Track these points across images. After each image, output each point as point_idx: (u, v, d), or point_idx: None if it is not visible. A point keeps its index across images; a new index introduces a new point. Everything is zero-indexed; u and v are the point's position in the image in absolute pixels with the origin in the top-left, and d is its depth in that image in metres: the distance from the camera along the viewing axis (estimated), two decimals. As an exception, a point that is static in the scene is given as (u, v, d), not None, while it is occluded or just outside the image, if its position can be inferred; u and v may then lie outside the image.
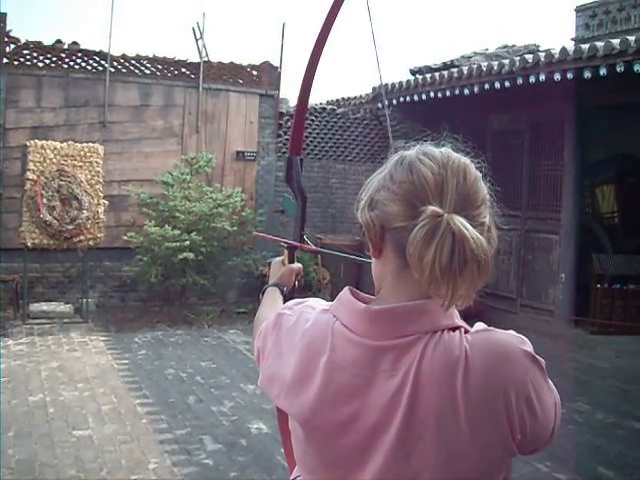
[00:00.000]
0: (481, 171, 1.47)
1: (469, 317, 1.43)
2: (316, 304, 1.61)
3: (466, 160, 1.46)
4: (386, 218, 1.41)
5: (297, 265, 2.27)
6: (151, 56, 12.71)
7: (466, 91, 11.08)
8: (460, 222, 1.31)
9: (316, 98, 14.28)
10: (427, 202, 1.35)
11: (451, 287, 1.31)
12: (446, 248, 1.29)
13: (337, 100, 16.35)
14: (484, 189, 1.44)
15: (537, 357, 1.37)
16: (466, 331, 1.39)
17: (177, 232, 11.04)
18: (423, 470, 1.32)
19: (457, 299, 1.34)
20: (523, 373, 1.33)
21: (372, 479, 1.38)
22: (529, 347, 1.37)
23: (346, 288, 1.50)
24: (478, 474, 1.32)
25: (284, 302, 1.98)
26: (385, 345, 1.38)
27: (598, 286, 10.67)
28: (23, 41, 11.71)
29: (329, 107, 14.49)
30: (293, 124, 2.49)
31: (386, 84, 13.13)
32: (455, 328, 1.38)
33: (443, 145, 1.50)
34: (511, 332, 1.40)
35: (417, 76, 12.65)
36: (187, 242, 11.02)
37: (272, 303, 2.06)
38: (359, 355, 1.40)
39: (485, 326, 1.42)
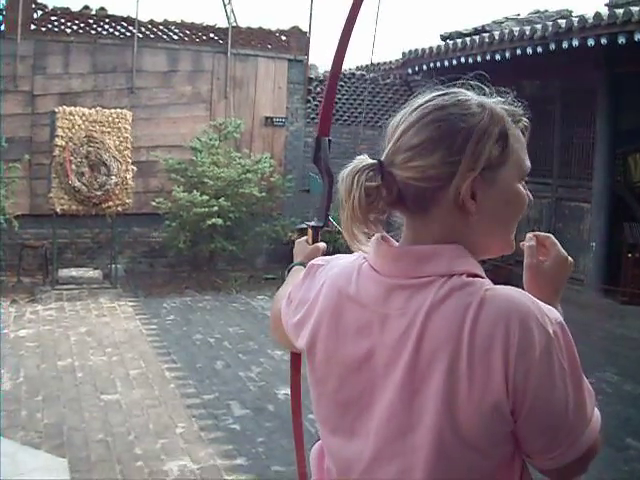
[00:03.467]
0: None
1: (497, 284, 1.39)
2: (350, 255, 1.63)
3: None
4: None
5: (322, 244, 2.26)
6: (179, 21, 12.68)
7: (497, 56, 10.94)
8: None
9: (345, 64, 14.15)
10: None
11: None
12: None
13: (366, 66, 16.22)
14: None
15: (558, 336, 1.29)
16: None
17: (205, 198, 11.04)
18: (424, 416, 1.31)
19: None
20: (531, 339, 1.25)
21: (379, 421, 1.39)
22: (552, 325, 1.29)
23: (378, 234, 1.49)
24: (476, 431, 1.29)
25: None
26: (401, 283, 1.39)
27: (629, 255, 10.54)
28: (50, 7, 11.73)
29: (358, 73, 14.40)
30: (322, 105, 2.46)
31: (416, 49, 13.01)
32: (474, 275, 1.36)
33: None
34: (549, 307, 1.34)
35: (448, 41, 12.51)
36: (215, 208, 11.02)
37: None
38: (378, 292, 1.42)
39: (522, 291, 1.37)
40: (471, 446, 1.30)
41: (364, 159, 1.43)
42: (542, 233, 1.60)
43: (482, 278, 1.37)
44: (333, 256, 1.67)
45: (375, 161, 1.42)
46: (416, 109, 1.44)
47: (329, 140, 2.37)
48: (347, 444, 1.46)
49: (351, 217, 1.42)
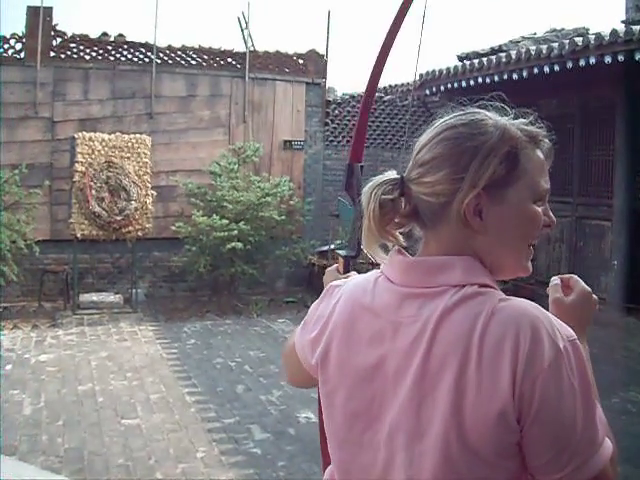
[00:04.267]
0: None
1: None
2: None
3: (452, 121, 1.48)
4: None
5: (353, 273, 2.23)
6: (197, 47, 12.76)
7: (515, 76, 10.93)
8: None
9: (363, 85, 14.21)
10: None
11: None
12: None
13: (384, 87, 16.23)
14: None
15: (569, 352, 1.29)
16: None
17: (225, 222, 11.05)
18: (432, 422, 1.31)
19: None
20: (540, 350, 1.26)
21: (390, 430, 1.39)
22: (563, 341, 1.29)
23: (395, 247, 1.52)
24: (482, 438, 1.28)
25: None
26: (414, 292, 1.42)
27: (651, 273, 10.47)
28: (70, 35, 11.84)
29: (376, 94, 14.41)
30: (355, 131, 2.45)
31: (434, 70, 13.03)
32: (486, 286, 1.38)
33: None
34: (561, 323, 1.34)
35: (465, 62, 12.51)
36: (235, 232, 11.04)
37: None
38: (391, 301, 1.45)
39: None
40: (476, 454, 1.29)
41: (388, 174, 1.50)
42: (566, 275, 1.64)
43: (495, 288, 1.39)
44: (351, 275, 1.71)
45: (397, 176, 1.49)
46: (434, 128, 1.49)
47: (361, 166, 2.35)
48: (356, 456, 1.46)
49: (368, 228, 1.46)
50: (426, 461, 1.31)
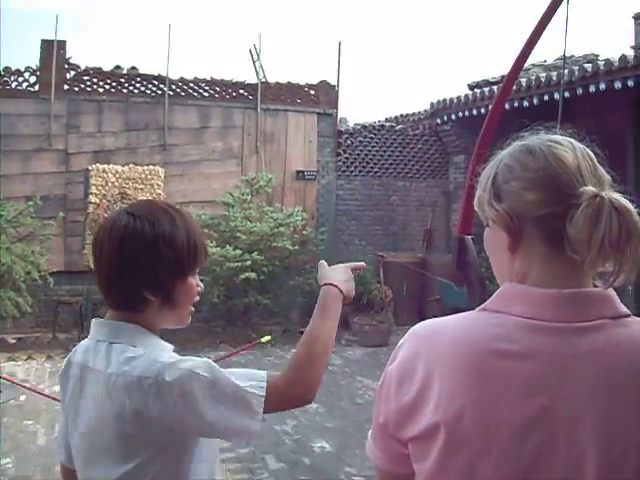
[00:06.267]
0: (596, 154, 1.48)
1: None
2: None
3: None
4: (525, 208, 1.35)
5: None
6: (209, 79, 12.88)
7: (525, 103, 10.95)
8: (618, 197, 1.31)
9: (374, 115, 14.31)
10: (572, 185, 1.33)
11: (618, 262, 1.29)
12: (614, 224, 1.27)
13: (395, 117, 16.29)
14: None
15: None
16: None
17: (238, 252, 11.07)
18: (628, 461, 1.24)
19: (622, 275, 1.30)
20: None
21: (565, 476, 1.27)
22: None
23: (506, 282, 1.40)
24: None
25: None
26: (576, 327, 1.30)
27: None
28: (83, 67, 11.98)
29: (388, 124, 14.46)
30: (464, 197, 2.22)
31: (444, 99, 13.08)
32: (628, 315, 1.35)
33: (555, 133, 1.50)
34: None
35: (475, 90, 12.55)
36: (249, 262, 11.05)
37: None
38: (550, 341, 1.30)
39: None
40: None
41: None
42: None
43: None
44: (426, 322, 1.46)
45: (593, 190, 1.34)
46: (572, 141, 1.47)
47: (472, 238, 2.09)
48: None
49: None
50: None
